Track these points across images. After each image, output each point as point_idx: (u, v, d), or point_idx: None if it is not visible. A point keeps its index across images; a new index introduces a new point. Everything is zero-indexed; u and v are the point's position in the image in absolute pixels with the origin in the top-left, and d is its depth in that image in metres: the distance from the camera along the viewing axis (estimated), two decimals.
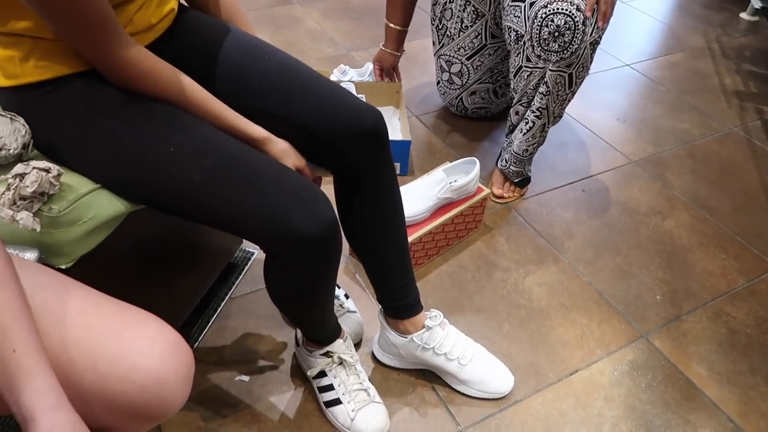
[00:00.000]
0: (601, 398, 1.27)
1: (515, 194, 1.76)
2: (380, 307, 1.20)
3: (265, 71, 1.01)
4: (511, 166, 1.71)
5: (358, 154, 1.02)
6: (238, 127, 0.94)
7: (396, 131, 1.89)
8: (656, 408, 1.26)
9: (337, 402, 1.15)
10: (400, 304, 1.17)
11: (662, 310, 1.47)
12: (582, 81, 1.55)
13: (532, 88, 1.56)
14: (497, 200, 1.75)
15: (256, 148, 0.95)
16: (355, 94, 1.89)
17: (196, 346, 1.29)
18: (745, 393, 1.30)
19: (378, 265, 1.14)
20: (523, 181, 1.76)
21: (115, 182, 0.88)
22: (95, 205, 0.85)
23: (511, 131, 1.72)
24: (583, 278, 1.54)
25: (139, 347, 0.66)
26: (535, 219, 1.70)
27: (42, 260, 0.82)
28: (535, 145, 1.67)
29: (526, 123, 1.63)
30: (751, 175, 1.96)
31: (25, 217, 0.76)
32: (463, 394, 1.23)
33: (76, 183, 0.84)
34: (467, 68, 1.87)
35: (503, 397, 1.24)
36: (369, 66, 2.09)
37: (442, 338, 1.19)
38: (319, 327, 1.12)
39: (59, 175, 0.79)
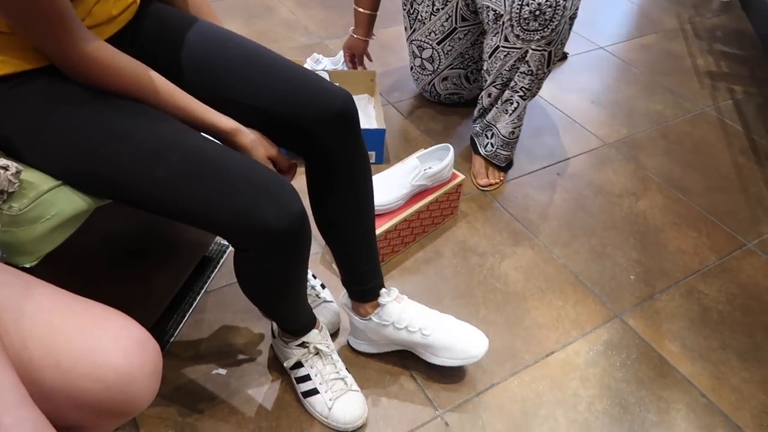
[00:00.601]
0: (577, 378, 1.28)
1: (500, 179, 1.76)
2: (344, 292, 1.21)
3: (231, 59, 1.00)
4: (499, 150, 1.71)
5: (329, 138, 1.01)
6: (206, 120, 0.93)
7: (371, 119, 1.89)
8: (630, 386, 1.28)
9: (314, 392, 1.16)
10: (363, 288, 1.18)
11: (636, 290, 1.49)
12: (557, 59, 1.56)
13: (507, 69, 1.56)
14: (485, 189, 1.74)
15: (226, 140, 0.94)
16: None
17: (172, 340, 1.28)
18: (717, 368, 1.33)
19: (345, 251, 1.15)
20: (509, 165, 1.76)
21: (77, 178, 0.86)
22: (58, 202, 0.84)
23: (481, 114, 1.72)
24: (558, 261, 1.55)
25: (103, 344, 0.65)
26: (510, 203, 1.71)
27: (4, 259, 0.81)
28: (520, 127, 1.67)
29: (511, 104, 1.62)
30: (723, 154, 1.99)
31: None
32: (440, 367, 1.23)
33: (37, 180, 0.83)
34: (438, 53, 1.87)
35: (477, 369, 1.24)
36: (343, 54, 2.08)
37: (399, 313, 1.19)
38: (293, 318, 1.12)
39: (18, 172, 0.78)
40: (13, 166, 0.77)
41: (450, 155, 1.54)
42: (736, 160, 1.96)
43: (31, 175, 0.83)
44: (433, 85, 1.98)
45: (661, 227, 1.68)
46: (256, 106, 0.99)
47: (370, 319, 1.20)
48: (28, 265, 0.85)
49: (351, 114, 1.02)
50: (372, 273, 1.17)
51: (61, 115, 0.85)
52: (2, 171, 0.75)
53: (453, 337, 1.21)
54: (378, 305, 1.19)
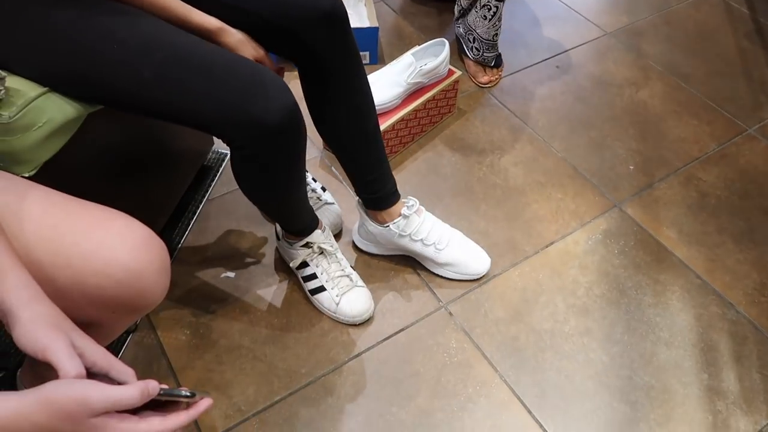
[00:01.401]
0: (576, 266, 1.32)
1: (498, 75, 1.73)
2: (358, 198, 1.21)
3: None
4: (484, 53, 1.67)
5: (318, 39, 0.98)
6: (189, 19, 0.89)
7: (363, 18, 1.81)
8: (628, 271, 1.31)
9: (321, 289, 1.19)
10: (376, 196, 1.17)
11: (635, 180, 1.50)
12: None
13: None
14: (486, 85, 1.70)
15: (210, 40, 0.91)
16: None
17: (179, 247, 1.30)
18: (712, 251, 1.36)
19: (351, 158, 1.14)
20: (498, 60, 1.72)
21: (62, 82, 0.84)
22: (48, 109, 0.82)
23: (462, 15, 1.69)
24: (557, 154, 1.55)
25: (109, 243, 0.66)
26: (508, 99, 1.68)
27: (1, 168, 0.80)
28: (500, 27, 1.63)
29: (489, 9, 1.58)
30: (726, 38, 1.93)
31: None
32: (442, 277, 1.27)
33: (24, 87, 0.81)
34: None
35: (480, 278, 1.28)
36: None
37: (418, 225, 1.21)
38: (295, 218, 1.13)
39: (2, 78, 0.76)
40: None
41: (446, 50, 1.50)
42: (740, 44, 1.91)
43: (16, 82, 0.81)
44: None
45: (661, 116, 1.66)
46: (241, 7, 0.95)
47: (389, 228, 1.20)
48: (27, 175, 0.84)
49: (340, 14, 0.97)
50: (383, 179, 1.16)
51: (38, 16, 0.82)
52: None
53: (461, 255, 1.25)
54: (396, 214, 1.19)
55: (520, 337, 1.19)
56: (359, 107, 1.08)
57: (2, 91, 0.76)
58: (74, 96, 0.86)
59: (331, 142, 1.13)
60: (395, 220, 1.20)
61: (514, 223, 1.39)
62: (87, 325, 0.71)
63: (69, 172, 0.95)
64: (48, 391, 0.51)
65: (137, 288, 0.67)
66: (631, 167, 1.53)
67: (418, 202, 1.22)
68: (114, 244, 0.66)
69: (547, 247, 1.35)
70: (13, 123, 0.78)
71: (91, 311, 0.68)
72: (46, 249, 0.64)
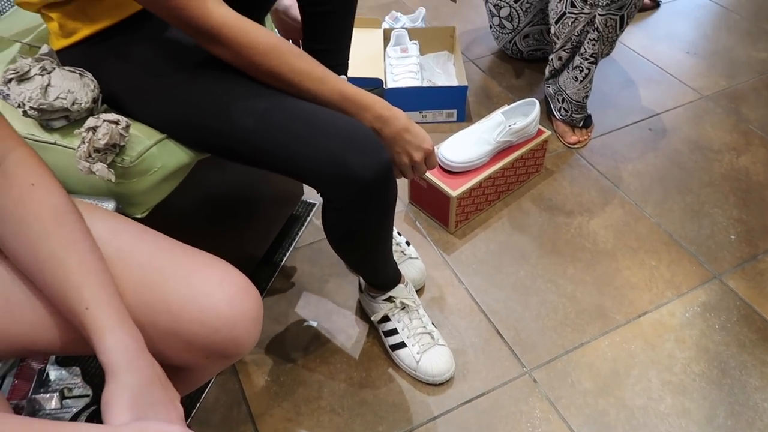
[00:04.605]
0: (672, 340, 1.24)
1: (588, 135, 1.70)
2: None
3: None
4: (573, 114, 1.66)
5: None
6: (347, 95, 0.88)
7: (451, 76, 1.85)
8: (731, 349, 1.22)
9: (401, 345, 1.17)
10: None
11: (737, 250, 1.41)
12: (632, 18, 1.48)
13: (576, 34, 1.52)
14: (574, 146, 1.68)
15: (357, 113, 0.89)
16: (408, 41, 1.85)
17: (264, 294, 1.33)
18: None
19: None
20: (588, 121, 1.70)
21: (177, 130, 0.89)
22: (162, 156, 0.87)
23: (553, 75, 1.68)
24: (651, 219, 1.48)
25: (207, 290, 0.68)
26: (598, 160, 1.65)
27: (120, 211, 0.86)
28: (590, 89, 1.62)
29: (581, 71, 1.57)
30: None
31: (100, 168, 0.79)
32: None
33: (144, 134, 0.87)
34: (516, 12, 1.80)
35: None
36: (421, 11, 2.04)
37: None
38: (378, 272, 1.13)
39: (128, 126, 0.81)
40: (123, 120, 0.81)
41: (536, 110, 1.49)
42: None
43: (137, 129, 0.87)
44: (515, 42, 1.92)
45: (765, 184, 1.57)
46: None
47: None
48: (139, 216, 0.90)
49: None
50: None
51: (158, 70, 0.88)
52: (114, 125, 0.79)
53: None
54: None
55: (609, 411, 1.12)
56: None
57: (127, 138, 0.82)
58: (186, 143, 0.91)
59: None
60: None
61: (603, 288, 1.33)
62: (179, 370, 0.72)
63: (174, 215, 1.00)
64: (144, 423, 0.54)
65: (232, 336, 0.68)
66: (733, 237, 1.44)
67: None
68: (212, 292, 0.68)
69: (639, 317, 1.28)
70: (133, 167, 0.84)
71: (186, 356, 0.69)
72: (151, 293, 0.67)
